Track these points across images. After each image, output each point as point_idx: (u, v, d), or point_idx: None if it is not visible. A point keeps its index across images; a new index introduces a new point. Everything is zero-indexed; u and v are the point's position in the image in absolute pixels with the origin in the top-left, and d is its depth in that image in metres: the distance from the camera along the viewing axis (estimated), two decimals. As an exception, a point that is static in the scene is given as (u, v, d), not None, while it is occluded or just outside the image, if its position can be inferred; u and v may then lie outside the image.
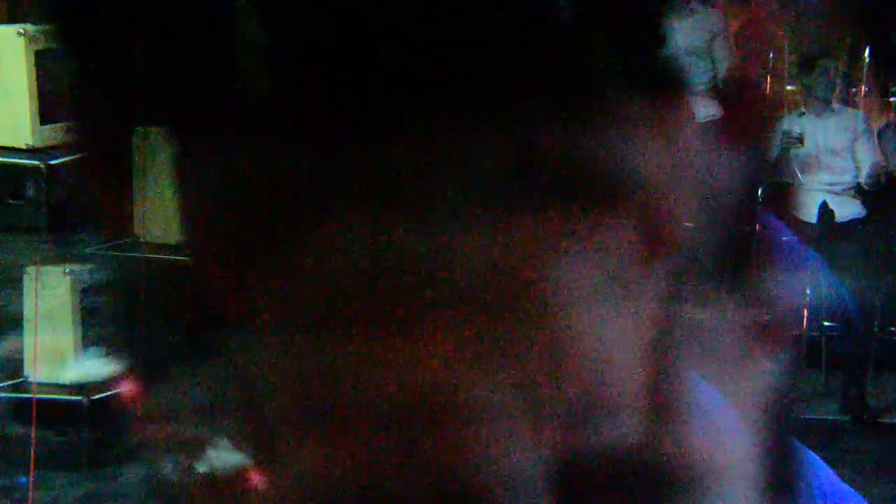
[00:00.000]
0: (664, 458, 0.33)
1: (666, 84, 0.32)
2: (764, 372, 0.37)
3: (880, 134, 7.01)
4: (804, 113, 6.53)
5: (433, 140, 0.30)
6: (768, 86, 0.35)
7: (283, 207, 0.32)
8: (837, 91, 6.90)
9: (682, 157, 0.32)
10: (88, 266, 5.45)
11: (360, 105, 0.30)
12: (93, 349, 5.42)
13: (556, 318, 0.31)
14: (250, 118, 0.31)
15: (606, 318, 0.32)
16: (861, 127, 6.83)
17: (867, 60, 7.55)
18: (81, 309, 5.45)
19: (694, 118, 0.33)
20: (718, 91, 0.32)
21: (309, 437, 0.33)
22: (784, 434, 0.37)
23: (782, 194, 0.39)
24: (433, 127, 0.30)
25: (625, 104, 0.31)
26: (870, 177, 6.69)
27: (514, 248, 0.31)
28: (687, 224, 0.33)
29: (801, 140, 6.39)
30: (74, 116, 0.37)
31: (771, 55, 0.35)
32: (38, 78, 5.38)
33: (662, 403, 0.33)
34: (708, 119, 0.35)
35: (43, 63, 5.34)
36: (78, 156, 0.38)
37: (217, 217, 0.34)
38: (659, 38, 0.32)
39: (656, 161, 0.32)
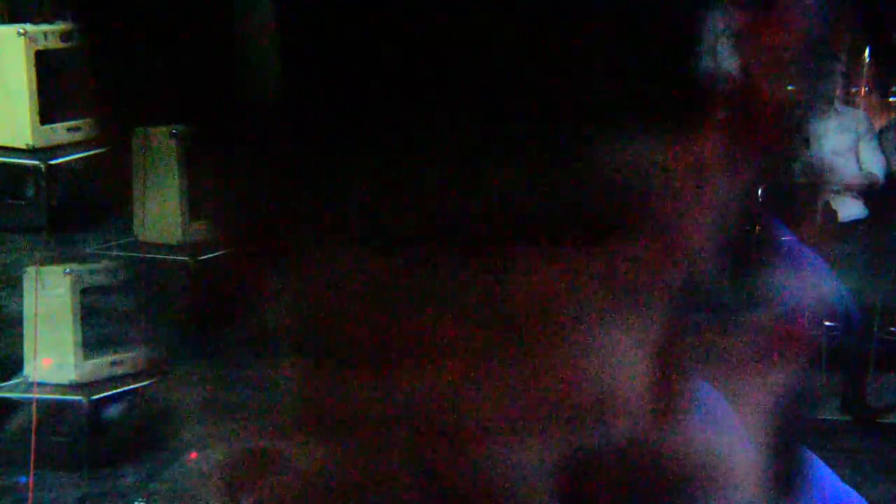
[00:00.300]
0: (665, 460, 0.33)
1: (676, 87, 0.32)
2: (769, 374, 0.37)
3: (881, 134, 7.03)
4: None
5: (449, 155, 0.30)
6: (772, 86, 0.35)
7: (290, 211, 0.32)
8: (839, 91, 6.91)
9: (694, 162, 0.32)
10: (88, 266, 5.46)
11: (376, 116, 0.30)
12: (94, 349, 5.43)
13: (564, 330, 0.31)
14: (262, 121, 0.31)
15: (612, 324, 0.32)
16: (863, 127, 6.84)
17: (867, 60, 7.56)
18: (81, 309, 5.46)
19: (706, 121, 0.33)
20: (724, 92, 0.32)
21: (313, 444, 0.33)
22: (786, 435, 0.37)
23: (783, 194, 0.39)
24: (450, 141, 0.30)
25: (635, 110, 0.31)
26: (874, 176, 6.70)
27: (524, 264, 0.31)
28: (701, 231, 0.33)
29: (806, 141, 6.39)
30: (84, 114, 0.37)
31: (773, 55, 0.35)
32: (38, 78, 5.38)
33: (666, 406, 0.33)
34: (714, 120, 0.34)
35: (43, 63, 5.35)
36: (86, 154, 0.38)
37: (223, 219, 0.34)
38: (664, 40, 0.32)
39: (671, 169, 0.31)
